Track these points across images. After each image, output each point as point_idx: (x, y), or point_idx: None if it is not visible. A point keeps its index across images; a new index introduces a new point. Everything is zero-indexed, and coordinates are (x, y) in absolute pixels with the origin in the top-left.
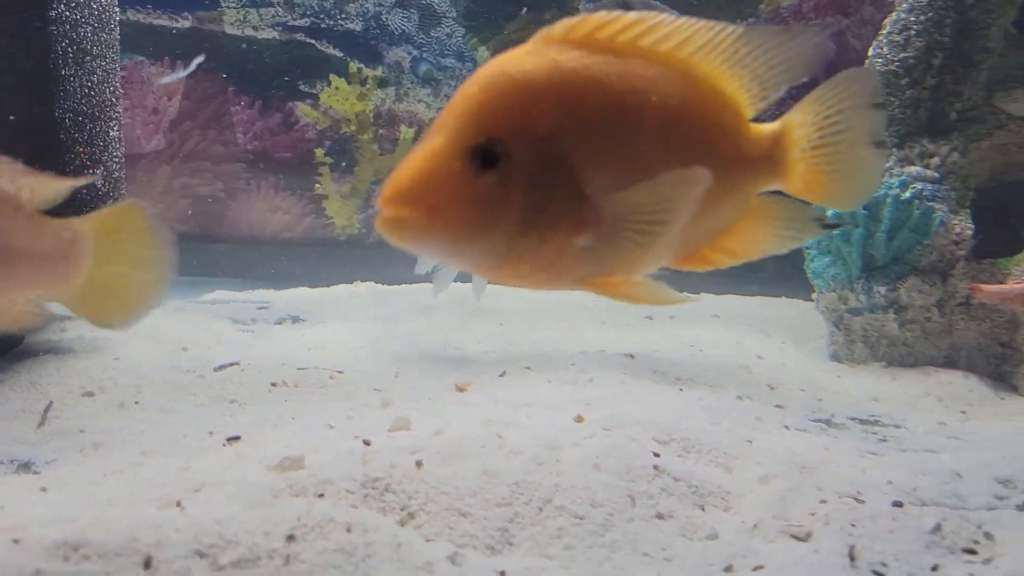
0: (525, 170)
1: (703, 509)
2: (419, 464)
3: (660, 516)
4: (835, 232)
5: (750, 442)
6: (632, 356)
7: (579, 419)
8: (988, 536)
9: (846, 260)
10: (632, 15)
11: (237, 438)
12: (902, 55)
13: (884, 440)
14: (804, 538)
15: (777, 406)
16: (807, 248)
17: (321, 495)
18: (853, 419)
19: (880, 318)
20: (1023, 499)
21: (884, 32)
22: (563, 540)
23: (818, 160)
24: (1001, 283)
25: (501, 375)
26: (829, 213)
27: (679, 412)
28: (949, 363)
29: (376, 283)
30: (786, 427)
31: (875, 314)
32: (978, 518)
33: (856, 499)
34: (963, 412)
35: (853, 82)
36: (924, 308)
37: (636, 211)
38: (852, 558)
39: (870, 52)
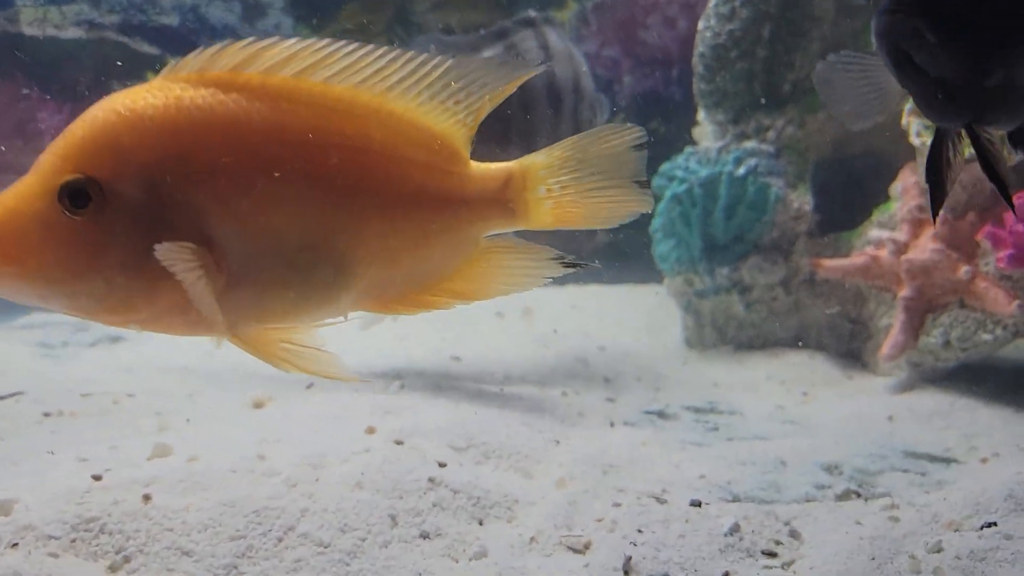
0: (128, 211)
1: (481, 523)
2: (147, 498)
3: (425, 536)
4: (674, 213)
5: (558, 443)
6: (459, 359)
7: (370, 430)
8: (794, 534)
9: (688, 242)
10: (297, 43)
11: None
12: (729, 27)
13: (715, 429)
14: (581, 550)
15: (608, 399)
16: (654, 231)
17: (15, 544)
18: (688, 408)
19: (726, 300)
20: (845, 487)
21: (711, 4)
22: (299, 574)
23: (572, 195)
24: (845, 257)
25: (308, 387)
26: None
27: (489, 415)
28: (799, 343)
29: None
30: (611, 423)
31: (720, 296)
32: (788, 513)
33: (658, 499)
34: (805, 394)
35: (615, 134)
36: (768, 287)
37: (265, 262)
38: (627, 572)
39: (700, 26)
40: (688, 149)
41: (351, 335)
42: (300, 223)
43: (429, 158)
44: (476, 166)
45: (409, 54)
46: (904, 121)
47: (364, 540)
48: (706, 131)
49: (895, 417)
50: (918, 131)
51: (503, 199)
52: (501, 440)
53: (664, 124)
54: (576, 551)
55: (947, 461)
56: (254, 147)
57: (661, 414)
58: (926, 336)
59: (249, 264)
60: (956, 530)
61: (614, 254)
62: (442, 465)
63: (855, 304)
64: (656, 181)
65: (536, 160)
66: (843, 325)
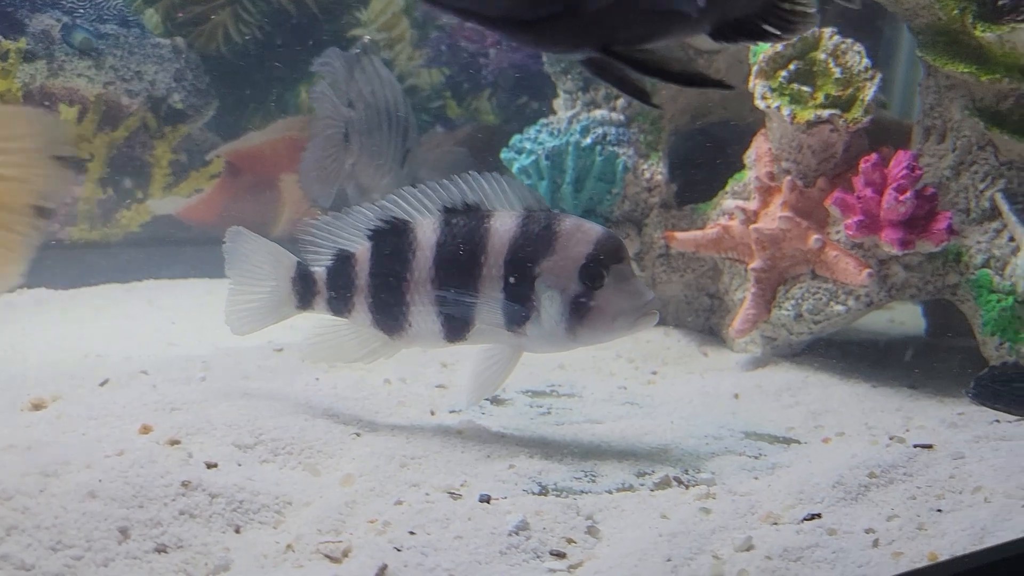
0: None
1: (238, 531)
2: None
3: (161, 549)
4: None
5: (359, 435)
6: (281, 349)
7: (145, 429)
8: (592, 531)
9: None
10: None
11: None
12: None
13: (547, 413)
14: (339, 557)
15: (439, 386)
16: None
17: None
18: (526, 392)
19: None
20: (665, 474)
21: None
22: None
23: None
24: (699, 229)
25: (103, 383)
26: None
27: (292, 407)
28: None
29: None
30: (432, 412)
31: None
32: (594, 505)
33: (453, 494)
34: (654, 372)
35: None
36: None
37: None
38: None
39: None
40: (542, 120)
41: (170, 320)
42: None
43: None
44: None
45: None
46: (751, 83)
47: (79, 559)
48: (560, 101)
49: (742, 395)
50: (763, 94)
51: None
52: (295, 434)
53: (535, 99)
54: (333, 559)
55: (787, 441)
56: None
57: (495, 399)
58: (778, 309)
59: None
60: (774, 523)
61: None
62: (211, 466)
63: (712, 278)
64: (504, 154)
65: None
66: (701, 300)
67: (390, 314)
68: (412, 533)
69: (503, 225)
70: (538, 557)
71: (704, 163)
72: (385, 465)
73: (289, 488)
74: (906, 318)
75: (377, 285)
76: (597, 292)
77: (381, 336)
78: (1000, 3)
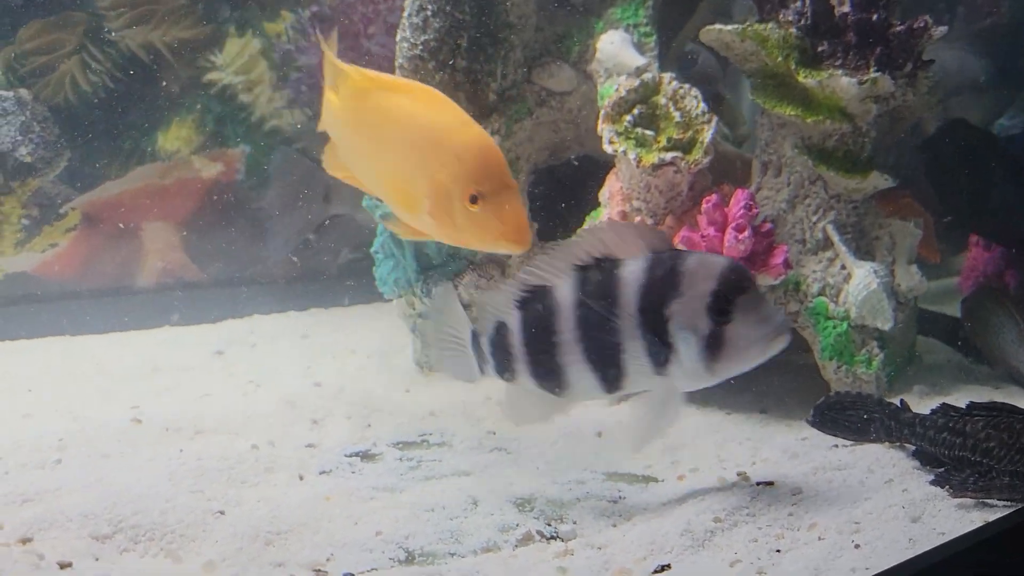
0: None
1: None
2: None
3: None
4: (388, 233)
5: (223, 513)
6: (140, 420)
7: None
8: None
9: (403, 263)
10: None
11: None
12: (423, 38)
13: (416, 467)
14: None
15: (309, 445)
16: (374, 252)
17: None
18: (396, 444)
19: None
20: (528, 529)
21: (405, 14)
22: None
23: None
24: None
25: None
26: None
27: (152, 485)
28: None
29: None
30: (300, 476)
31: None
32: (459, 571)
33: (318, 571)
34: None
35: None
36: None
37: None
38: None
39: (397, 36)
40: None
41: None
42: None
43: None
44: None
45: None
46: (599, 127)
47: None
48: None
49: (604, 432)
50: (610, 138)
51: None
52: (155, 519)
53: None
54: None
55: (646, 480)
56: None
57: (365, 455)
58: None
59: None
60: None
61: (359, 272)
62: (64, 566)
63: None
64: (366, 202)
65: None
66: None
67: (549, 376)
68: None
69: (631, 274)
70: None
71: (568, 199)
72: (249, 545)
73: None
74: None
75: (531, 351)
76: (727, 326)
77: (549, 396)
78: (819, 50)
